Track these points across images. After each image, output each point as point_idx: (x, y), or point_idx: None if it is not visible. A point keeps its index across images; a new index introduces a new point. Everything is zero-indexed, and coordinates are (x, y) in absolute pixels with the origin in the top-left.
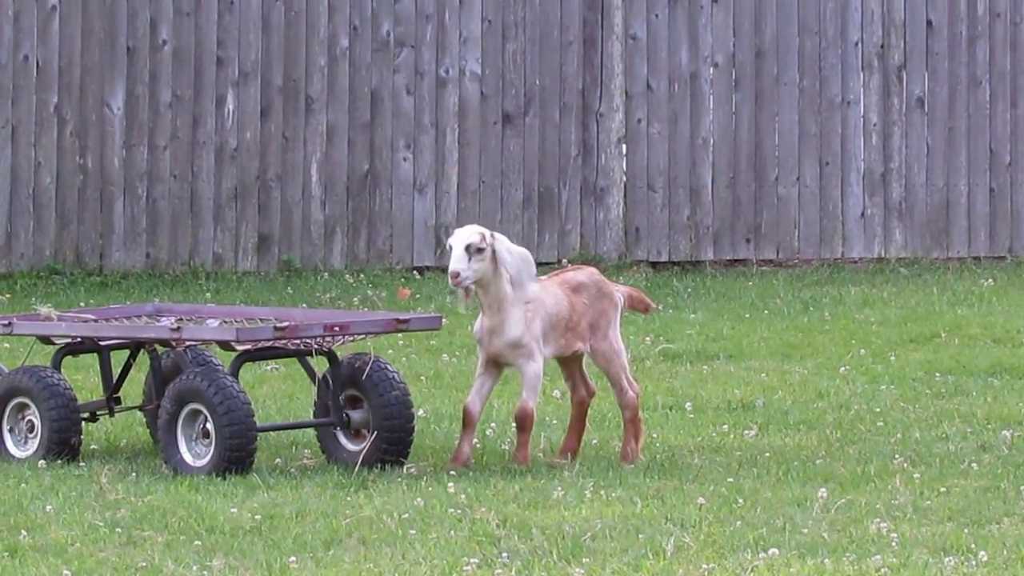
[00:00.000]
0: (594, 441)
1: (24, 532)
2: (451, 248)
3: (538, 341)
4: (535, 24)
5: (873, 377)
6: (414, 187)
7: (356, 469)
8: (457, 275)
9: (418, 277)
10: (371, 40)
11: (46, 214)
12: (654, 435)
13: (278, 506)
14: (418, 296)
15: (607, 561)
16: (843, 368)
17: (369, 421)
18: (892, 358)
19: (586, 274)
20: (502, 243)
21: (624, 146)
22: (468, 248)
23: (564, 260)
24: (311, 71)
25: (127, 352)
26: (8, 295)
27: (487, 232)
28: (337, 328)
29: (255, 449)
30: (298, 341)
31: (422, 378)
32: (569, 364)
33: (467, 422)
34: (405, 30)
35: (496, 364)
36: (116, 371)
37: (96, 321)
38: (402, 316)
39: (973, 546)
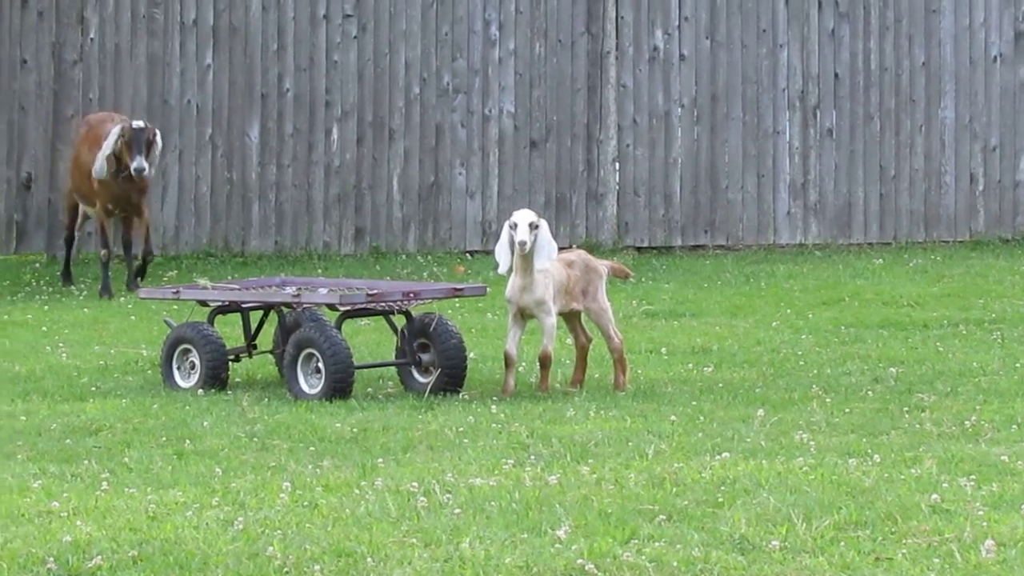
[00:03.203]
0: (595, 376)
1: (188, 441)
2: (516, 225)
3: (552, 300)
4: (553, 77)
5: (796, 329)
6: (466, 193)
7: (425, 396)
8: (524, 243)
9: (469, 258)
10: (436, 88)
11: (203, 213)
12: (639, 371)
13: (369, 422)
14: (469, 272)
15: (606, 462)
16: (774, 323)
17: (435, 361)
18: (810, 316)
19: (576, 254)
20: (545, 226)
21: (617, 164)
22: (530, 225)
23: (573, 246)
24: (392, 111)
25: (261, 312)
26: (176, 271)
27: (537, 216)
28: (412, 294)
29: (353, 381)
30: (384, 304)
31: (472, 330)
32: (571, 320)
33: (508, 363)
34: (460, 81)
35: (522, 316)
36: (253, 325)
37: (239, 289)
38: (458, 286)
39: (869, 451)
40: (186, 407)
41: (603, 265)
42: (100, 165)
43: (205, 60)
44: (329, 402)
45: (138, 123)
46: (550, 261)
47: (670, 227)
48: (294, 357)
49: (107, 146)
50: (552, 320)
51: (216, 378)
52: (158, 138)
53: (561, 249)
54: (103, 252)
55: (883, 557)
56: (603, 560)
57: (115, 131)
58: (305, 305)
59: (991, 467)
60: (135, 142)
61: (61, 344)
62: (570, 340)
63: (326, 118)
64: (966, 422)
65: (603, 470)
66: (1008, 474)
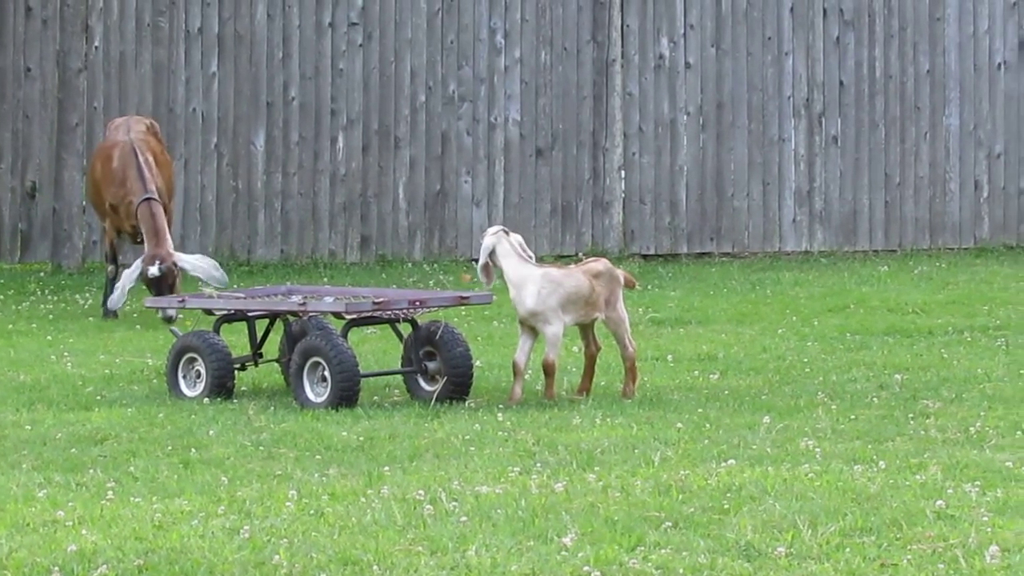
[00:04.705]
0: (602, 383)
1: (193, 449)
2: None
3: (554, 311)
4: (559, 85)
5: (802, 336)
6: (472, 202)
7: (432, 404)
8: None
9: (475, 266)
10: (441, 96)
11: (208, 222)
12: (645, 379)
13: (376, 430)
14: (475, 280)
15: (612, 469)
16: (780, 330)
17: (441, 369)
18: (815, 323)
19: (602, 264)
20: (486, 238)
21: (623, 172)
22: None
23: (580, 253)
24: (398, 119)
25: (267, 320)
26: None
27: (491, 230)
28: (418, 302)
29: (359, 389)
30: (390, 312)
31: (478, 338)
32: (585, 328)
33: (516, 372)
34: (466, 89)
35: (529, 327)
36: (259, 334)
37: (245, 298)
38: (464, 294)
39: (875, 457)
40: (192, 416)
41: (621, 274)
42: (118, 297)
43: (210, 68)
44: (335, 410)
45: (153, 271)
46: (485, 276)
47: (676, 235)
48: (300, 365)
49: (128, 280)
50: (553, 329)
51: (222, 387)
52: (178, 280)
53: (565, 257)
54: (110, 268)
55: (888, 563)
56: (609, 567)
57: (136, 267)
58: (311, 313)
59: (996, 473)
60: (158, 291)
61: (66, 353)
62: (576, 348)
63: (332, 126)
64: (971, 428)
65: (609, 477)
66: (1013, 480)
